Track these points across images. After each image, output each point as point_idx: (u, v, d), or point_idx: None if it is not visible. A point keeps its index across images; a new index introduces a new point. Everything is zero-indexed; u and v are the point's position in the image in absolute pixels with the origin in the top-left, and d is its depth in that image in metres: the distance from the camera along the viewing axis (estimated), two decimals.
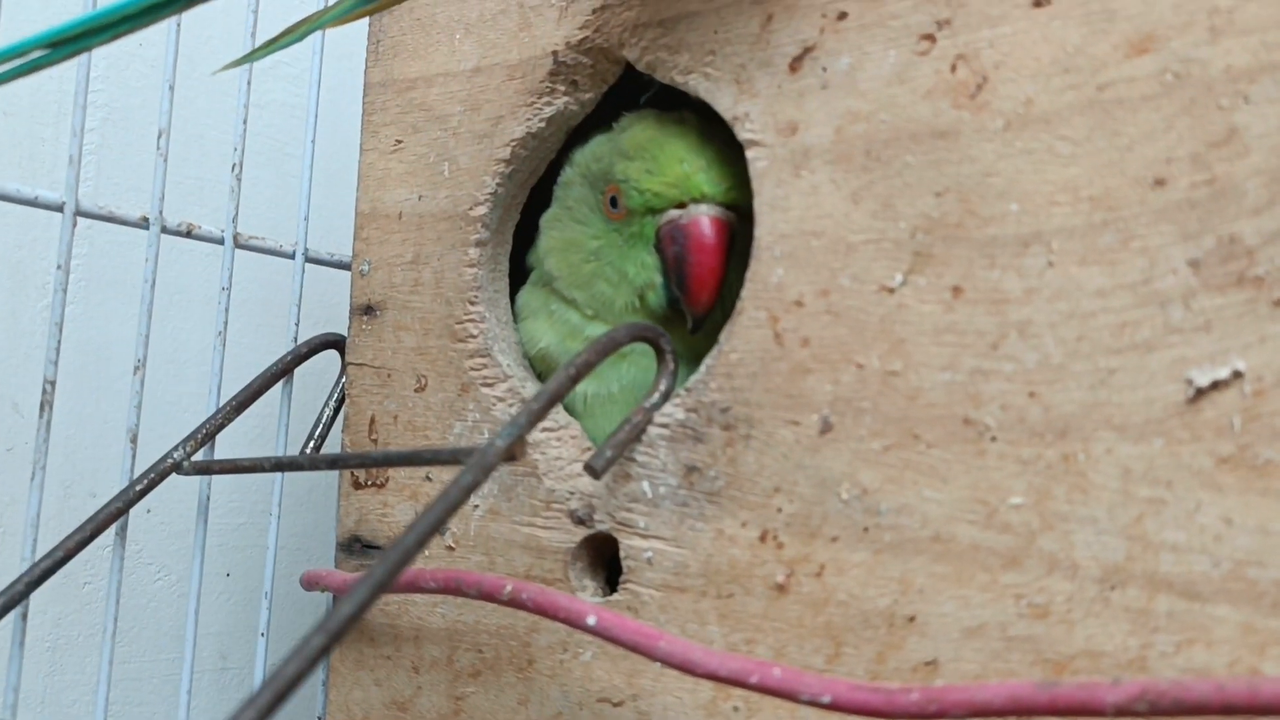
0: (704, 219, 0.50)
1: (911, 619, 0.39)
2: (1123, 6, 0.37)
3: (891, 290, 0.41)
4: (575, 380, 0.46)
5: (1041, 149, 0.38)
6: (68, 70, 0.59)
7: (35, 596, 0.53)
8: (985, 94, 0.40)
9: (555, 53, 0.54)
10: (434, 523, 0.39)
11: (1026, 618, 0.37)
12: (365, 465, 0.55)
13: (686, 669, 0.40)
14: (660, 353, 0.49)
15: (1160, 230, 0.35)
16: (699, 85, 0.48)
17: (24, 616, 0.53)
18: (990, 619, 0.37)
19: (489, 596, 0.47)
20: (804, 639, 0.42)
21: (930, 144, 0.41)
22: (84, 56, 0.56)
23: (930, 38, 0.41)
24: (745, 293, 0.45)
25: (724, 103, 0.47)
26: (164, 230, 0.58)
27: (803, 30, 0.45)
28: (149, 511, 0.74)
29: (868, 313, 0.42)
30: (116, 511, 0.54)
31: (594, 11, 0.52)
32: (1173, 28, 0.36)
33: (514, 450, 0.42)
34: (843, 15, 0.44)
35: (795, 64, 0.45)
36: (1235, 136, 0.34)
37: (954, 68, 0.41)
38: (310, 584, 0.58)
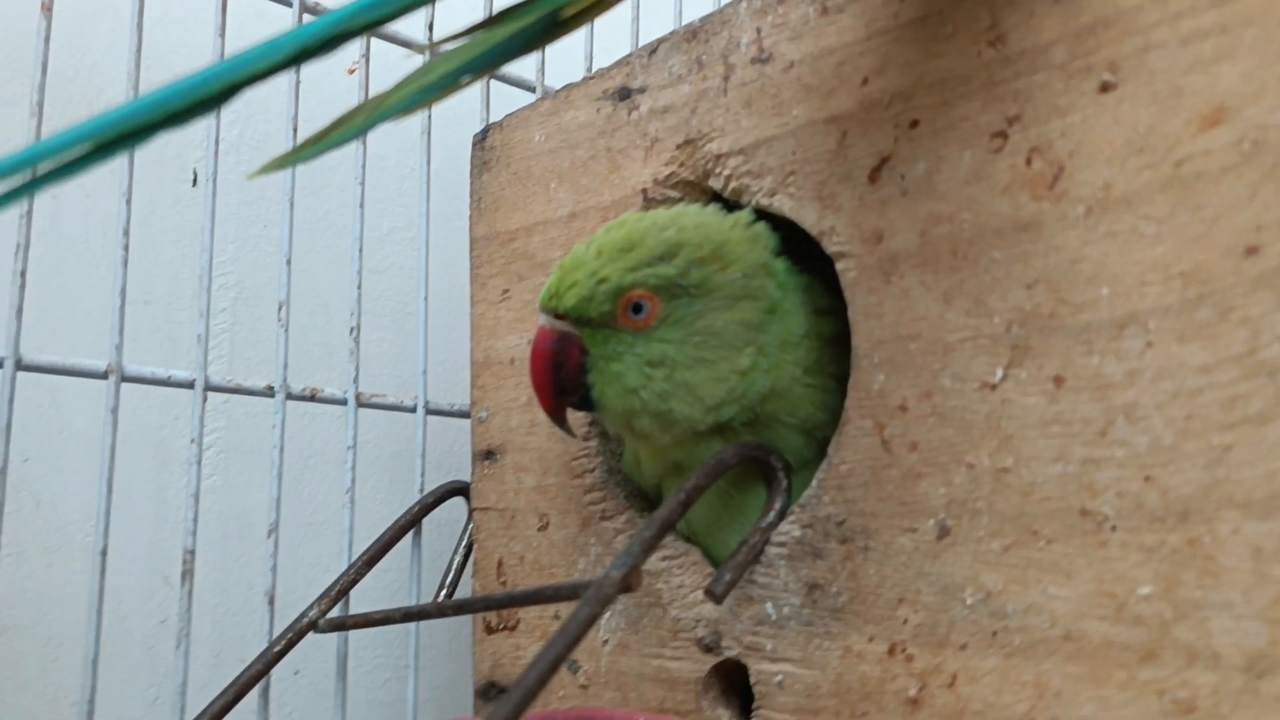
0: (538, 330, 0.50)
1: None
2: (1189, 83, 0.37)
3: (993, 386, 0.41)
4: (686, 506, 0.46)
5: (1126, 230, 0.38)
6: (198, 256, 0.63)
7: None
8: (1063, 183, 0.40)
9: (644, 190, 0.56)
10: (554, 659, 0.39)
11: (1171, 715, 0.35)
12: (490, 608, 0.55)
13: None
14: (771, 471, 0.49)
15: (1259, 299, 0.34)
16: (784, 205, 0.49)
17: None
18: (1134, 719, 0.36)
19: None
20: None
21: (1014, 237, 0.41)
22: (206, 241, 0.60)
23: (1002, 135, 0.42)
24: (849, 402, 0.45)
25: (809, 219, 0.48)
26: (289, 396, 0.61)
27: (877, 142, 0.46)
28: (296, 673, 0.76)
29: (972, 411, 0.41)
30: (257, 674, 0.56)
31: (677, 147, 0.54)
32: (1243, 97, 0.35)
33: (629, 580, 0.42)
34: (914, 123, 0.45)
35: (874, 174, 0.46)
36: None
37: (1029, 161, 0.41)
38: None
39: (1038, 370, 0.40)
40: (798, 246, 0.50)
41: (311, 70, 0.68)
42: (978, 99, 0.43)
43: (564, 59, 0.77)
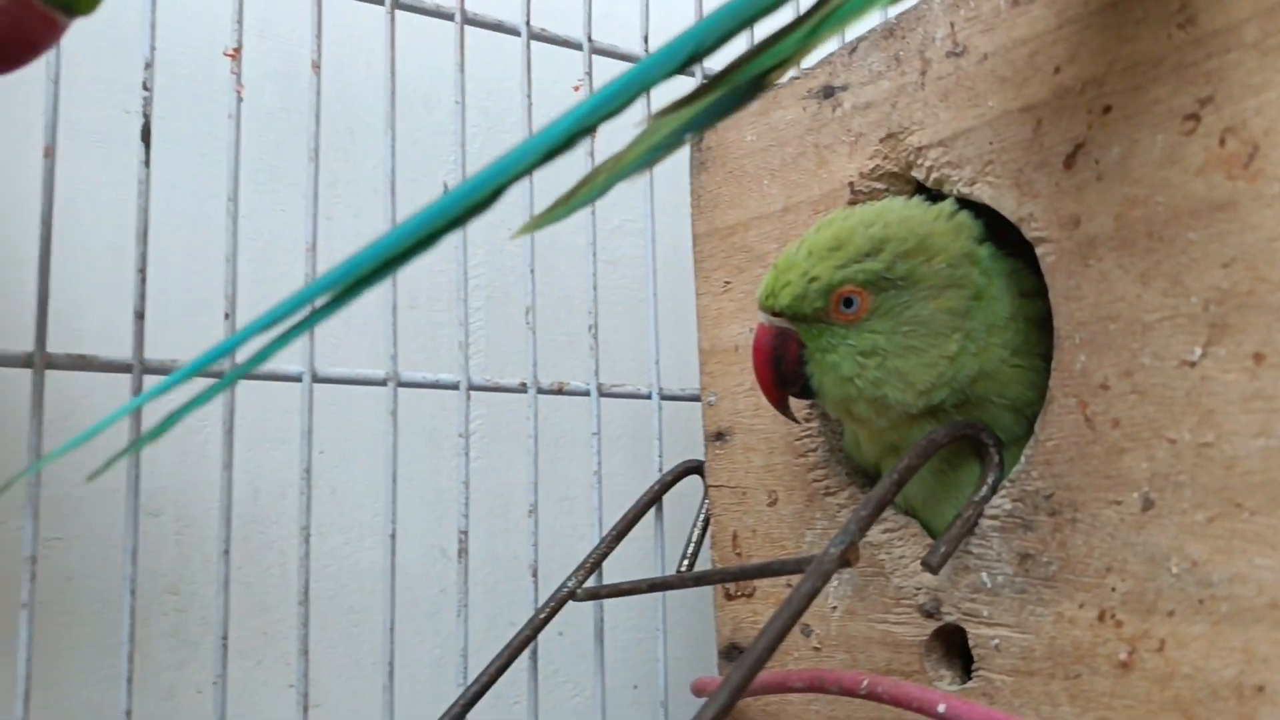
0: (758, 327, 0.55)
1: (1260, 688, 0.39)
2: None
3: (1192, 364, 0.42)
4: (900, 485, 0.49)
5: None
6: (451, 262, 0.70)
7: (475, 717, 0.63)
8: (1258, 162, 0.41)
9: (851, 184, 0.59)
10: (781, 628, 0.44)
11: None
12: (724, 580, 0.60)
13: None
14: (984, 448, 0.51)
15: None
16: (984, 193, 0.51)
17: None
18: None
19: (848, 691, 0.51)
20: (1155, 714, 0.42)
21: (1209, 218, 0.42)
22: (460, 256, 0.67)
23: (1194, 117, 0.43)
24: (1053, 381, 0.48)
25: (1008, 206, 0.50)
26: (539, 391, 0.68)
27: (1072, 129, 0.47)
28: (560, 634, 0.84)
29: (1172, 388, 0.43)
30: (526, 639, 0.63)
31: (880, 141, 0.57)
32: None
33: (847, 555, 0.46)
34: (1107, 109, 0.46)
35: (1069, 161, 0.47)
36: None
37: (1222, 141, 0.42)
38: (698, 691, 0.65)
39: (1237, 347, 0.41)
40: (1003, 230, 0.52)
41: (540, 87, 0.74)
42: (1169, 82, 0.44)
43: None
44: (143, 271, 0.58)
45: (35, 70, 0.58)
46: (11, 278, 0.68)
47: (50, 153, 0.57)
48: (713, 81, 0.41)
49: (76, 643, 0.68)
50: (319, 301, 0.40)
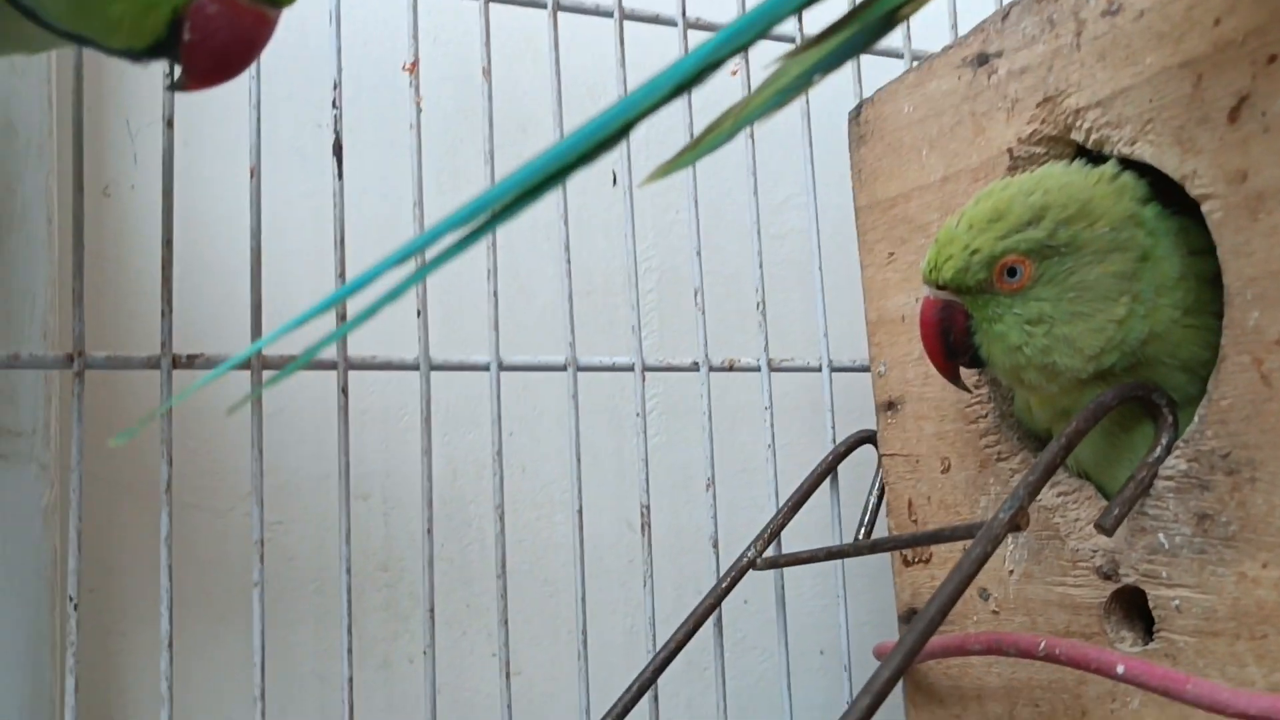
0: (924, 300, 0.56)
1: None
2: None
3: None
4: (1068, 449, 0.50)
5: None
6: (623, 246, 0.73)
7: (667, 681, 0.66)
8: None
9: (1010, 150, 0.59)
10: (952, 593, 0.45)
11: None
12: (899, 547, 0.61)
13: (1216, 709, 0.42)
14: (1156, 408, 0.51)
15: None
16: (1145, 153, 0.51)
17: (655, 699, 0.66)
18: None
19: (1026, 654, 0.51)
20: None
21: None
22: (629, 246, 0.70)
23: None
24: (1225, 339, 0.47)
25: (1170, 164, 0.49)
26: (711, 369, 0.71)
27: (1235, 81, 0.47)
28: (746, 602, 0.87)
29: None
30: (710, 607, 0.66)
31: (1037, 106, 0.57)
32: None
33: (1017, 520, 0.47)
34: (1272, 59, 0.45)
35: (1233, 115, 0.47)
36: None
37: None
38: (879, 655, 0.66)
39: None
40: (1169, 188, 0.51)
41: None
42: None
43: (926, 24, 0.79)
44: (342, 277, 0.63)
45: (238, 97, 0.64)
46: (228, 289, 0.75)
47: (255, 173, 0.63)
48: (843, 20, 0.40)
49: (300, 618, 0.75)
50: (480, 219, 0.41)
